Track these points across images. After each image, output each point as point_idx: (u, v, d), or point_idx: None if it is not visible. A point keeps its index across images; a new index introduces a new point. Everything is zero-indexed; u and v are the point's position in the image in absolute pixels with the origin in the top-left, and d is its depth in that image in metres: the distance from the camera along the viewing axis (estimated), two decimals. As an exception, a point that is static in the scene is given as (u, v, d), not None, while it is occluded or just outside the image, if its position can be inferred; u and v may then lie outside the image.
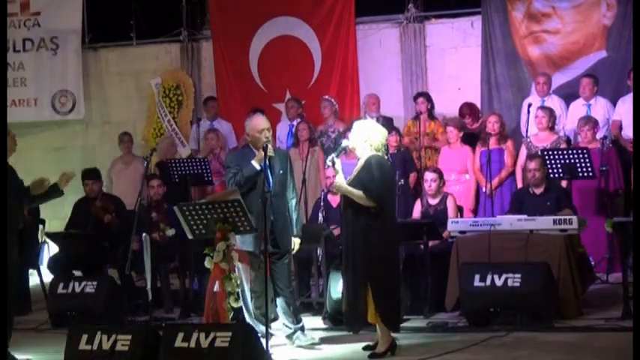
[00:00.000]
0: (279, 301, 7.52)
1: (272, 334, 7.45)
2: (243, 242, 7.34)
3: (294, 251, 7.69)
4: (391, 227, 7.03)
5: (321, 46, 12.58)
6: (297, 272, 8.98)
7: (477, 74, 11.86)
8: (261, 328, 7.15)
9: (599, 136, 10.07)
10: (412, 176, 10.60)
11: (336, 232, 8.64)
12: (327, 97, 11.76)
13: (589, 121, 10.07)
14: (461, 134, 10.52)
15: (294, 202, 7.60)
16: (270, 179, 7.42)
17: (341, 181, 7.00)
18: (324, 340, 7.65)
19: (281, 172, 7.45)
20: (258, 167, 7.32)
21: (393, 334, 7.08)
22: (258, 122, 7.52)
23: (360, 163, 7.05)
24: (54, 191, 7.56)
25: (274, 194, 7.40)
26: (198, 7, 13.41)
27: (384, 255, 6.93)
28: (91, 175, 10.07)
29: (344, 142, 7.23)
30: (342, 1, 12.46)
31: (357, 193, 6.91)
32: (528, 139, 10.26)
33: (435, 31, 12.35)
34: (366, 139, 7.03)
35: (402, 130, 11.15)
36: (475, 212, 10.32)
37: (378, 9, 12.50)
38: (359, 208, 6.92)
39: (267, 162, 7.34)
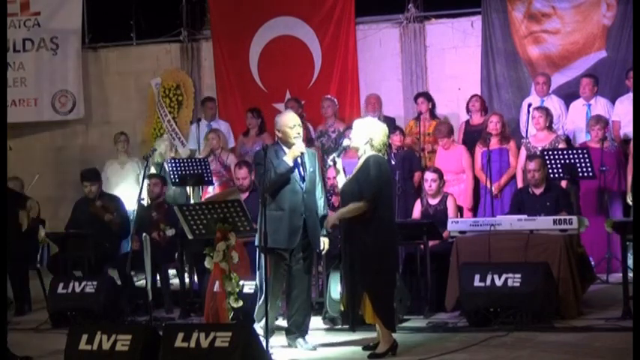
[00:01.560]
0: (292, 302, 7.46)
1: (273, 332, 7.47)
2: (274, 240, 7.17)
3: (324, 251, 7.59)
4: (387, 227, 6.99)
5: (321, 46, 12.57)
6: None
7: (476, 74, 11.86)
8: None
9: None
10: (417, 175, 10.53)
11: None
12: (329, 96, 11.76)
13: (600, 121, 10.03)
14: (451, 138, 10.50)
15: (322, 201, 7.51)
16: (304, 176, 7.37)
17: (337, 213, 7.05)
18: (323, 341, 7.65)
19: (311, 169, 7.41)
20: (291, 164, 7.28)
21: (394, 335, 7.07)
22: (290, 118, 7.51)
23: (360, 162, 7.04)
24: None
25: (306, 191, 7.35)
26: (198, 7, 13.41)
27: (379, 255, 6.90)
28: (89, 176, 10.07)
29: (345, 142, 7.22)
30: (342, 1, 12.45)
31: (351, 209, 6.88)
32: (527, 140, 10.25)
33: (435, 31, 12.34)
34: (368, 139, 7.00)
35: (404, 130, 11.15)
36: (474, 212, 10.32)
37: (378, 9, 12.49)
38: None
39: (299, 159, 7.33)
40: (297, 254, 7.39)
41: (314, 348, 7.40)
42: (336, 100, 11.71)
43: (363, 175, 6.92)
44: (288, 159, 7.28)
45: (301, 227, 7.31)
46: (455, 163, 10.42)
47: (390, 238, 7.05)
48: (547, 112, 10.22)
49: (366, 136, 7.00)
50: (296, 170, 7.34)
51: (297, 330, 7.46)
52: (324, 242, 7.51)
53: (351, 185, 6.97)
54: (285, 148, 7.36)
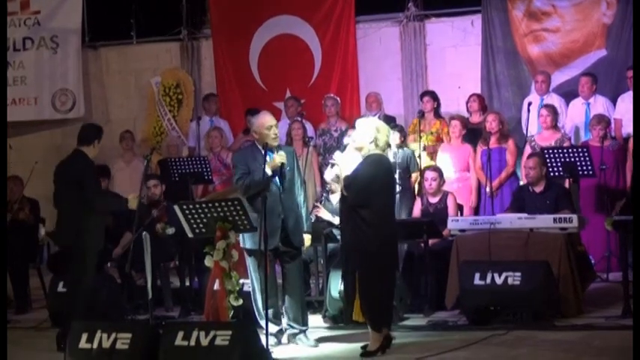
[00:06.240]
0: (288, 300, 7.49)
1: (282, 333, 7.50)
2: (254, 242, 7.25)
3: (306, 248, 7.60)
4: (382, 223, 6.94)
5: (321, 45, 12.58)
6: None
7: (477, 73, 11.86)
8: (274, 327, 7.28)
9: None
10: (414, 176, 10.49)
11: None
12: (331, 95, 11.75)
13: (602, 121, 10.02)
14: (464, 132, 10.49)
15: (301, 198, 7.51)
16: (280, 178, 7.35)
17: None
18: (323, 339, 7.65)
19: (288, 168, 7.39)
20: (270, 173, 7.26)
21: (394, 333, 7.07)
22: (266, 119, 7.50)
23: (361, 160, 7.05)
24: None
25: (284, 191, 7.33)
26: (198, 5, 13.42)
27: (375, 253, 6.86)
28: (100, 172, 10.03)
29: (346, 141, 7.20)
30: (342, -1, 12.48)
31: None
32: (532, 139, 10.24)
33: (435, 29, 12.36)
34: (372, 140, 6.99)
35: (407, 128, 11.14)
36: (476, 211, 10.30)
37: (378, 7, 12.51)
38: (353, 206, 6.90)
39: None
40: (284, 254, 7.41)
41: (316, 344, 7.41)
42: (338, 98, 11.70)
43: (354, 171, 6.97)
44: (268, 168, 7.25)
45: (279, 227, 7.29)
46: (460, 160, 10.39)
47: (389, 238, 7.00)
48: (554, 111, 10.22)
49: (371, 135, 6.99)
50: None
51: (297, 326, 7.47)
52: (306, 239, 7.49)
53: (349, 178, 6.99)
54: (262, 150, 7.33)
